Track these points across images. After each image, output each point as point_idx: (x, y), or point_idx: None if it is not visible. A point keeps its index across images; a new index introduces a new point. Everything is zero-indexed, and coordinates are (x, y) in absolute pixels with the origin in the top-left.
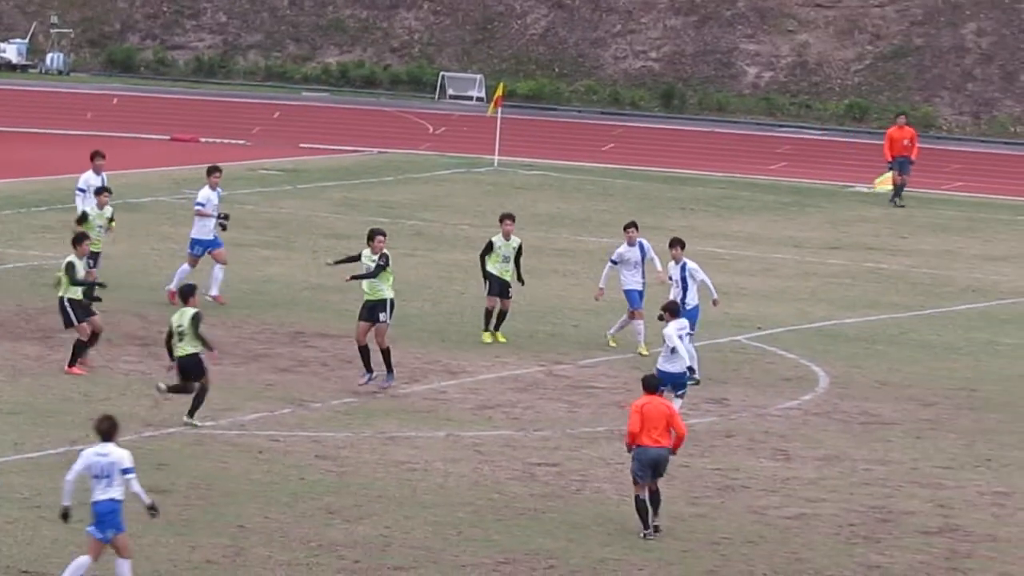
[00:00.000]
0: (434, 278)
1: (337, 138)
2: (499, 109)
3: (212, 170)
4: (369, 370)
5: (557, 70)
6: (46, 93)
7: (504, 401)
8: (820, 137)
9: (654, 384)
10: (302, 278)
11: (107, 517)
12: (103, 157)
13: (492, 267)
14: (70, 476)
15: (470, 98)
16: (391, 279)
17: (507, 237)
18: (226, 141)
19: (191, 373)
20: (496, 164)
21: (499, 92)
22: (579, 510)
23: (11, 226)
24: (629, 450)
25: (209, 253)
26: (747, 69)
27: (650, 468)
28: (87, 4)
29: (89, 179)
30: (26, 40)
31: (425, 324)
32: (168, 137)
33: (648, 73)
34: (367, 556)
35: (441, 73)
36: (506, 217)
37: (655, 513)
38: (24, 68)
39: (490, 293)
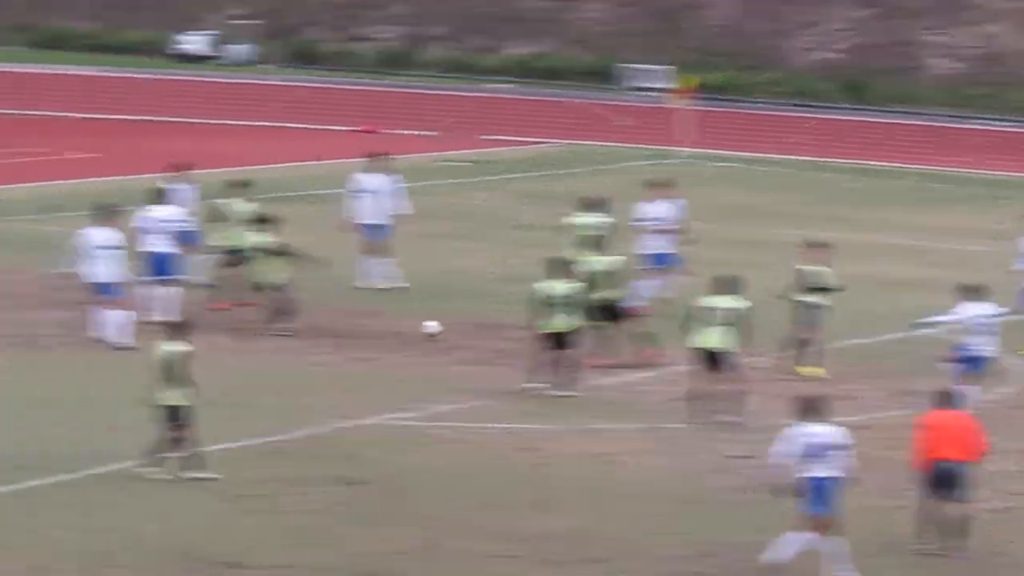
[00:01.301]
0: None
1: (522, 129)
2: (686, 100)
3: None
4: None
5: (742, 62)
6: (231, 84)
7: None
8: (1012, 129)
9: (949, 398)
10: (491, 269)
11: (822, 494)
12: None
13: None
14: (779, 459)
15: (654, 89)
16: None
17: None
18: (411, 132)
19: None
20: (683, 155)
21: (685, 83)
22: (777, 502)
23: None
24: (915, 473)
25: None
26: (934, 60)
27: (943, 484)
28: None
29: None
30: (211, 32)
31: None
32: (353, 129)
33: (833, 65)
34: (566, 549)
35: (625, 64)
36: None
37: (963, 537)
38: (209, 59)
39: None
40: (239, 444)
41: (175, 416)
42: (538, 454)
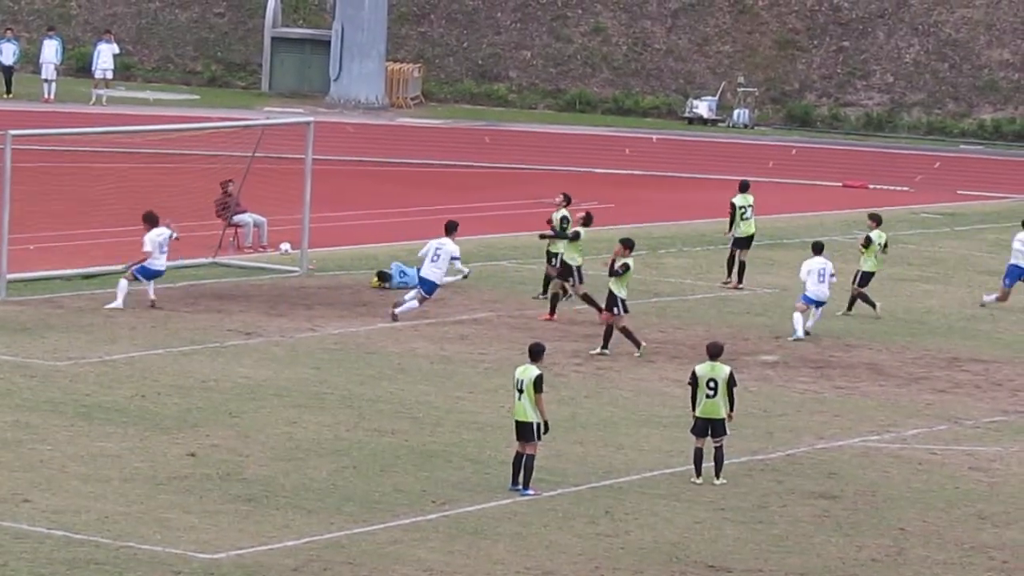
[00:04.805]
0: None
1: (992, 185)
2: None
3: None
4: None
5: None
6: (733, 144)
7: None
8: None
9: None
10: (958, 309)
11: None
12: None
13: None
14: None
15: None
16: None
17: None
18: (892, 188)
19: None
20: None
21: None
22: None
23: (701, 261)
24: None
25: None
26: None
27: None
28: (770, 66)
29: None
30: (716, 97)
31: None
32: (840, 184)
33: None
34: (1015, 558)
35: None
36: None
37: None
38: (714, 122)
39: None
40: (727, 461)
41: (711, 429)
42: (993, 473)
